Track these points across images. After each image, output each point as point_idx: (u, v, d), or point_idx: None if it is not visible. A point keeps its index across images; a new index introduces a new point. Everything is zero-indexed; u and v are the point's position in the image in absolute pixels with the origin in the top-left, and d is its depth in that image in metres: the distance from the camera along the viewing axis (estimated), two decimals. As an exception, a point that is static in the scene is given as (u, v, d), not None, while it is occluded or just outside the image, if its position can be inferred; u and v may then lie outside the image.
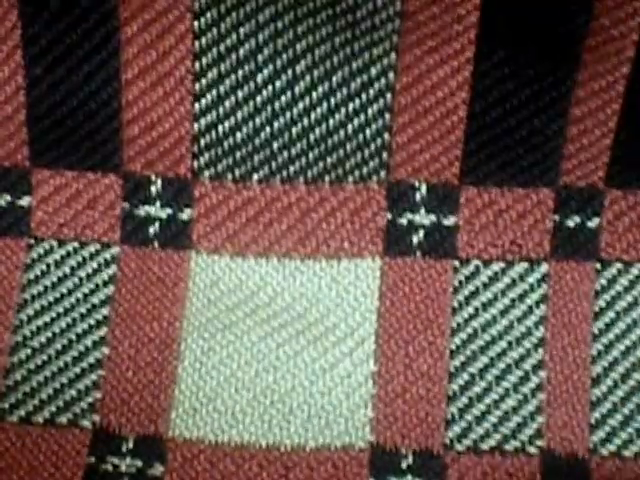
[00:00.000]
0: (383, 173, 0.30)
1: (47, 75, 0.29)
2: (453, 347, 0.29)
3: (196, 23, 0.28)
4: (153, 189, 0.30)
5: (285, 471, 0.28)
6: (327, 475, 0.28)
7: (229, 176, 0.30)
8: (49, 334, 0.29)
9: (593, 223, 0.30)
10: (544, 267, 0.30)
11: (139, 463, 0.28)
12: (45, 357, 0.29)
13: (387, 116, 0.29)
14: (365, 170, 0.30)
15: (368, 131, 0.29)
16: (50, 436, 0.28)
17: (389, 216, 0.30)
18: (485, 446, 0.29)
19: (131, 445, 0.28)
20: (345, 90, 0.29)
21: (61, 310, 0.30)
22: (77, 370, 0.29)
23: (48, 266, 0.30)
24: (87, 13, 0.28)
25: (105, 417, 0.29)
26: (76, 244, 0.30)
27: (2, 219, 0.30)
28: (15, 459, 0.28)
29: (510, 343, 0.29)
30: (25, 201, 0.30)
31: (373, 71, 0.29)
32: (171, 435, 0.28)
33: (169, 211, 0.30)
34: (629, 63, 0.28)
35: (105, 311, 0.30)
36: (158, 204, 0.30)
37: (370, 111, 0.29)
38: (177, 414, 0.29)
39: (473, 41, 0.28)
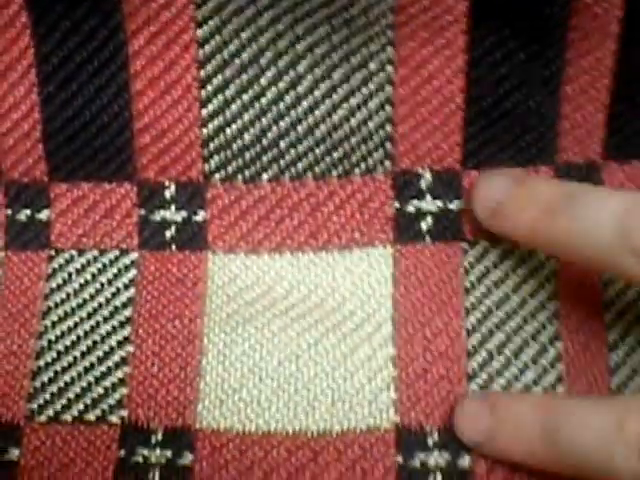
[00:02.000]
0: (388, 163, 0.31)
1: (60, 92, 0.30)
2: (469, 326, 0.30)
3: (199, 32, 0.29)
4: (167, 194, 0.31)
5: (313, 455, 0.29)
6: (354, 456, 0.29)
7: (239, 177, 0.31)
8: (73, 337, 0.30)
9: None
10: None
11: (169, 453, 0.28)
12: (71, 358, 0.30)
13: (388, 108, 0.30)
14: (371, 162, 0.31)
15: (371, 124, 0.31)
16: (79, 433, 0.29)
17: (397, 205, 0.31)
18: None
19: (160, 437, 0.29)
20: (346, 86, 0.30)
21: (84, 314, 0.30)
22: (103, 369, 0.30)
23: (69, 274, 0.31)
24: (95, 30, 0.29)
25: (133, 412, 0.29)
26: (95, 252, 0.31)
27: (22, 234, 0.31)
28: (46, 457, 0.28)
29: (525, 318, 0.30)
30: (44, 215, 0.31)
31: (372, 66, 0.30)
32: (199, 426, 0.29)
33: (184, 214, 0.31)
34: (615, 39, 0.29)
35: (128, 312, 0.30)
36: (173, 208, 0.31)
37: (371, 104, 0.30)
38: (204, 406, 0.29)
39: (464, 30, 0.29)
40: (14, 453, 0.29)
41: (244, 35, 0.29)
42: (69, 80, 0.30)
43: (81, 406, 0.29)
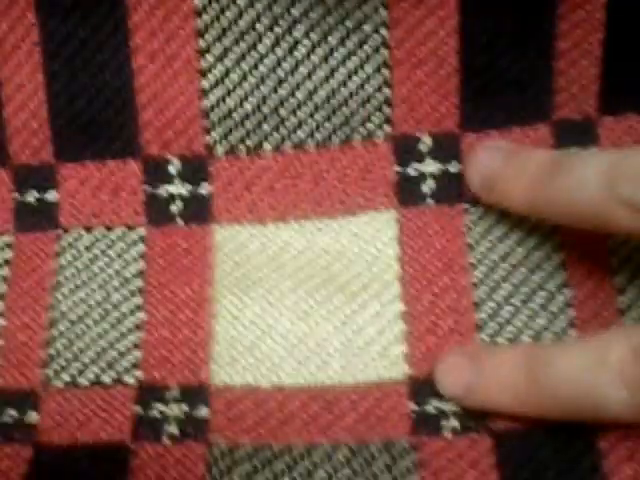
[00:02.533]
0: (387, 128, 0.31)
1: (64, 70, 0.31)
2: (475, 280, 0.30)
3: (197, 1, 0.30)
4: (172, 169, 0.32)
5: (327, 405, 0.28)
6: (368, 405, 0.28)
7: (242, 148, 0.32)
8: (85, 307, 0.30)
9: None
10: None
11: (185, 407, 0.28)
12: (84, 326, 0.30)
13: (384, 71, 0.31)
14: (370, 126, 0.31)
15: (368, 87, 0.31)
16: (96, 395, 0.29)
17: (398, 168, 0.31)
18: None
19: (176, 393, 0.29)
20: (342, 49, 0.31)
21: (95, 286, 0.31)
22: (116, 334, 0.30)
23: (78, 251, 0.31)
24: (96, 4, 0.30)
25: (148, 373, 0.29)
26: (103, 230, 0.32)
27: (31, 216, 0.32)
28: (64, 418, 0.29)
29: (531, 269, 0.30)
30: (52, 196, 0.32)
31: (366, 28, 0.31)
32: (213, 383, 0.29)
33: (189, 188, 0.32)
34: None
35: (138, 283, 0.31)
36: (178, 183, 0.32)
37: (368, 67, 0.31)
38: (217, 365, 0.29)
39: None
40: (33, 416, 0.29)
41: (241, 2, 0.30)
42: (73, 58, 0.31)
43: (96, 369, 0.29)
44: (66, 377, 0.29)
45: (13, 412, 0.29)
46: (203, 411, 0.28)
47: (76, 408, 0.29)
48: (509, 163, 0.29)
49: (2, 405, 0.29)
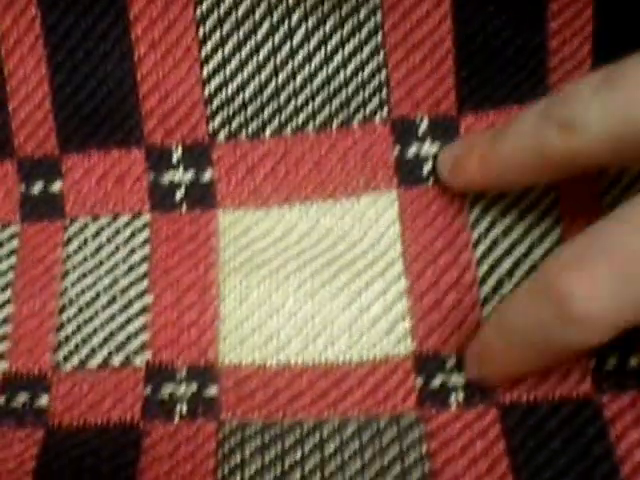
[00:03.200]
0: (385, 111, 0.32)
1: (67, 62, 0.32)
2: (478, 256, 0.31)
3: (198, 11, 0.31)
4: (174, 157, 0.32)
5: (335, 382, 0.29)
6: (376, 381, 0.29)
7: (243, 133, 0.32)
8: (93, 293, 0.31)
9: None
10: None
11: (194, 387, 0.29)
12: (92, 311, 0.31)
13: (381, 54, 0.32)
14: (368, 110, 0.32)
15: (365, 71, 0.32)
16: (105, 377, 0.29)
17: (397, 150, 0.32)
18: None
19: (184, 374, 0.29)
20: (339, 34, 0.32)
21: (102, 272, 0.31)
22: (124, 318, 0.30)
23: (85, 239, 0.32)
24: None
25: (156, 355, 0.29)
26: (109, 218, 0.32)
27: (37, 207, 0.32)
28: (75, 401, 0.29)
29: (531, 245, 0.31)
30: (57, 187, 0.32)
31: (362, 13, 0.31)
32: (221, 362, 0.29)
33: (192, 175, 0.32)
34: None
35: (144, 268, 0.31)
36: (181, 170, 0.32)
37: (364, 52, 0.32)
38: (225, 345, 0.30)
39: None
40: (44, 400, 0.29)
41: (241, 10, 0.31)
42: (75, 49, 0.31)
43: (105, 352, 0.30)
44: (76, 361, 0.30)
45: (25, 396, 0.29)
46: (212, 390, 0.29)
47: (86, 390, 0.29)
48: (461, 146, 0.31)
49: (14, 390, 0.30)
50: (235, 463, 0.28)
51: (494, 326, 0.27)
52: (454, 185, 0.31)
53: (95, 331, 0.30)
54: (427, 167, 0.32)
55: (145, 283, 0.31)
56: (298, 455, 0.28)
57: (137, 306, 0.30)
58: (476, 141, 0.30)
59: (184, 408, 0.29)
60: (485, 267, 0.30)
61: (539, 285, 0.25)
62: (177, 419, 0.29)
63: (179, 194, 0.32)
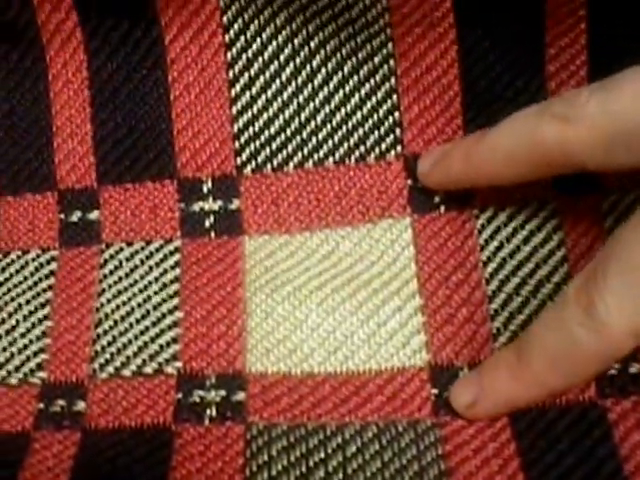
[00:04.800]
0: (399, 148, 0.35)
1: (109, 102, 0.35)
2: (487, 275, 0.33)
3: (227, 36, 0.34)
4: (205, 188, 0.35)
5: (355, 389, 0.31)
6: (394, 389, 0.31)
7: (268, 166, 0.35)
8: (127, 308, 0.33)
9: None
10: (552, 205, 0.34)
11: (223, 393, 0.31)
12: (126, 325, 0.33)
13: (394, 97, 0.35)
14: (383, 146, 0.35)
15: (380, 112, 0.35)
16: (139, 384, 0.31)
17: (410, 182, 0.35)
18: None
19: (214, 381, 0.31)
20: (355, 78, 0.35)
21: (135, 290, 0.33)
22: (156, 330, 0.32)
23: (120, 262, 0.34)
24: (139, 41, 0.34)
25: (187, 364, 0.31)
26: (142, 243, 0.34)
27: (75, 233, 0.35)
28: (110, 406, 0.31)
29: (537, 263, 0.33)
30: (94, 215, 0.35)
31: (376, 60, 0.34)
32: (248, 371, 0.31)
33: (220, 204, 0.35)
34: (585, 20, 0.34)
35: (175, 287, 0.33)
36: (210, 200, 0.35)
37: (379, 94, 0.35)
38: (252, 356, 0.32)
39: (453, 24, 0.34)
40: (81, 405, 0.31)
41: (264, 35, 0.34)
42: (117, 91, 0.34)
43: (139, 361, 0.32)
44: (111, 369, 0.32)
45: (62, 402, 0.31)
46: (240, 395, 0.31)
47: (121, 396, 0.31)
48: (442, 147, 0.33)
49: (52, 397, 0.31)
50: (262, 461, 0.29)
51: (514, 351, 0.29)
52: (434, 183, 0.33)
53: (129, 342, 0.32)
54: (438, 196, 0.34)
55: (176, 300, 0.33)
56: (322, 455, 0.29)
57: (168, 320, 0.33)
58: (459, 141, 0.32)
59: (213, 412, 0.30)
60: (494, 285, 0.33)
61: (566, 299, 0.27)
62: (207, 422, 0.30)
63: (208, 222, 0.35)
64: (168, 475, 0.29)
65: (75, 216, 0.35)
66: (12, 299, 0.34)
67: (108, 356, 0.32)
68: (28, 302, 0.34)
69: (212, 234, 0.34)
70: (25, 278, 0.34)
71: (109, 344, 0.32)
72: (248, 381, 0.31)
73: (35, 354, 0.32)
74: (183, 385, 0.31)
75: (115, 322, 0.33)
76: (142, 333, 0.32)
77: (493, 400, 0.30)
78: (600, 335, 0.26)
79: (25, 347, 0.33)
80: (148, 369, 0.32)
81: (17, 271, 0.34)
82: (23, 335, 0.33)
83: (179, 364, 0.32)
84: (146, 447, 0.30)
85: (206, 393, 0.31)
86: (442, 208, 0.34)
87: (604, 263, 0.27)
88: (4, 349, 0.33)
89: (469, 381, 0.30)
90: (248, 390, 0.31)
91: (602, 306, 0.26)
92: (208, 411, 0.30)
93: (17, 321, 0.33)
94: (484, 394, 0.30)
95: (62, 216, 0.35)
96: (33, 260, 0.35)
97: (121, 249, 0.34)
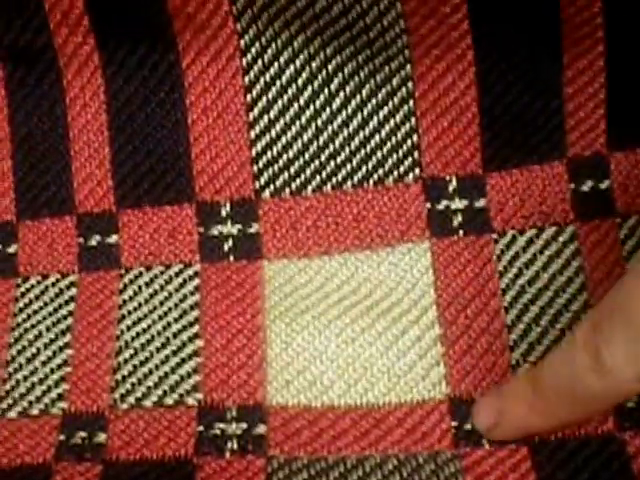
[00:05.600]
0: (417, 170, 0.35)
1: (127, 126, 0.34)
2: (506, 304, 0.33)
3: (244, 60, 0.34)
4: (223, 212, 0.35)
5: (375, 422, 0.31)
6: (414, 422, 0.31)
7: (287, 190, 0.35)
8: (148, 336, 0.33)
9: (604, 185, 0.34)
10: (570, 228, 0.34)
11: (244, 425, 0.31)
12: (147, 354, 0.33)
13: (412, 120, 0.35)
14: (402, 169, 0.35)
15: (399, 134, 0.35)
16: (160, 415, 0.31)
17: (428, 205, 0.35)
18: None
19: (234, 413, 0.31)
20: (374, 101, 0.34)
21: (155, 317, 0.34)
22: (177, 360, 0.32)
23: (139, 287, 0.34)
24: (156, 65, 0.34)
25: (208, 395, 0.32)
26: (162, 267, 0.34)
27: (94, 257, 0.35)
28: (131, 437, 0.31)
29: (556, 291, 0.33)
30: (113, 239, 0.35)
31: (394, 82, 0.34)
32: (269, 403, 0.31)
33: (239, 228, 0.35)
34: (602, 43, 0.34)
35: (195, 313, 0.33)
36: (229, 224, 0.35)
37: (397, 117, 0.34)
38: (272, 387, 0.32)
39: (470, 46, 0.34)
40: (102, 437, 0.31)
41: (282, 59, 0.34)
42: (135, 115, 0.34)
43: (160, 392, 0.32)
44: (132, 400, 0.32)
45: (83, 434, 0.31)
46: (261, 428, 0.31)
47: (142, 428, 0.31)
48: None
49: (73, 428, 0.32)
50: None
51: (529, 381, 0.29)
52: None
53: (150, 372, 0.32)
54: (457, 220, 0.34)
55: (196, 328, 0.33)
56: None
57: (189, 349, 0.33)
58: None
59: (234, 444, 0.31)
60: (513, 314, 0.33)
61: (575, 343, 0.28)
62: (228, 455, 0.30)
63: (227, 246, 0.35)
64: None
65: (94, 240, 0.35)
66: (32, 326, 0.34)
67: (129, 386, 0.32)
68: (49, 329, 0.34)
69: (231, 258, 0.35)
70: (45, 304, 0.34)
71: (130, 374, 0.32)
72: (269, 414, 0.31)
73: (56, 384, 0.33)
74: (204, 417, 0.31)
75: (135, 350, 0.33)
76: (163, 363, 0.33)
77: (511, 425, 0.30)
78: (607, 380, 0.27)
79: (46, 377, 0.33)
80: (169, 400, 0.32)
81: (37, 297, 0.35)
82: (44, 364, 0.33)
83: (200, 395, 0.32)
84: (166, 479, 0.30)
85: (227, 425, 0.31)
86: (461, 232, 0.34)
87: (609, 313, 0.27)
88: (25, 378, 0.33)
89: (490, 404, 0.30)
90: (269, 423, 0.31)
91: (608, 355, 0.27)
92: (229, 444, 0.31)
93: (38, 349, 0.33)
94: (504, 419, 0.30)
95: (81, 240, 0.35)
96: (53, 285, 0.35)
97: (140, 273, 0.35)
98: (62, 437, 0.31)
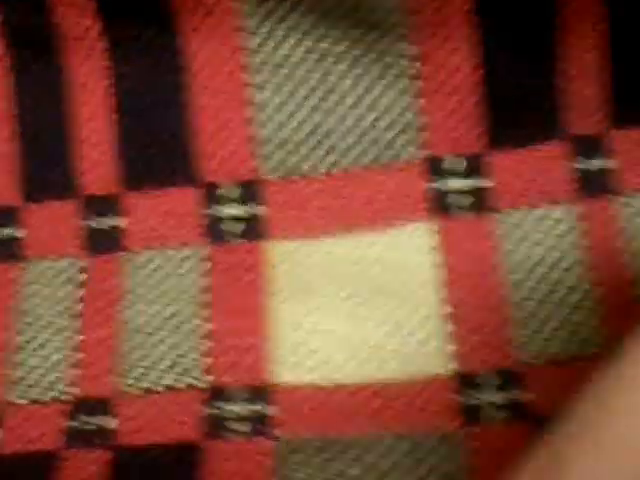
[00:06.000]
0: (426, 151, 0.35)
1: (133, 109, 0.34)
2: (512, 282, 0.33)
3: (253, 42, 0.34)
4: (231, 194, 0.35)
5: (385, 401, 0.31)
6: (423, 400, 0.31)
7: (296, 173, 0.35)
8: (159, 321, 0.33)
9: (607, 164, 0.35)
10: (576, 208, 0.34)
11: (253, 407, 0.31)
12: (158, 338, 0.33)
13: (420, 101, 0.35)
14: (410, 150, 0.35)
15: (407, 115, 0.35)
16: (170, 400, 0.31)
17: (435, 186, 0.35)
18: (562, 357, 0.32)
19: (244, 395, 0.31)
20: (382, 82, 0.34)
21: (166, 301, 0.34)
22: (189, 344, 0.32)
23: (149, 271, 0.34)
24: (162, 50, 0.34)
25: (218, 378, 0.32)
26: (171, 251, 0.34)
27: (102, 241, 0.35)
28: (141, 423, 0.31)
29: (561, 272, 0.33)
30: (119, 222, 0.35)
31: (402, 63, 0.34)
32: (278, 384, 0.32)
33: (247, 210, 0.35)
34: (605, 20, 0.34)
35: (205, 297, 0.33)
36: (237, 206, 0.35)
37: (405, 98, 0.35)
38: (282, 369, 0.32)
39: (478, 25, 0.34)
40: (113, 422, 0.31)
41: (291, 40, 0.34)
42: (141, 98, 0.34)
43: (171, 377, 0.32)
44: (143, 385, 0.32)
45: (93, 419, 0.31)
46: (270, 410, 0.31)
47: (152, 413, 0.31)
48: None
49: (83, 414, 0.32)
50: (293, 477, 0.30)
51: None
52: None
53: (161, 357, 0.32)
54: (462, 200, 0.34)
55: (207, 311, 0.33)
56: (357, 471, 0.30)
57: (200, 333, 0.33)
58: None
59: (243, 427, 0.31)
60: (521, 293, 0.33)
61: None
62: (238, 437, 0.30)
63: (235, 228, 0.35)
64: None
65: (102, 224, 0.35)
66: (43, 312, 0.34)
67: (140, 371, 0.32)
68: (60, 314, 0.34)
69: (240, 241, 0.35)
70: (55, 290, 0.34)
71: (141, 359, 0.32)
72: (278, 394, 0.31)
73: (68, 370, 0.33)
74: (214, 400, 0.31)
75: (147, 335, 0.33)
76: (173, 347, 0.33)
77: None
78: None
79: (58, 363, 0.33)
80: (180, 384, 0.32)
81: (45, 283, 0.34)
82: (56, 350, 0.33)
83: (211, 378, 0.32)
84: (178, 464, 0.30)
85: (236, 407, 0.31)
86: (467, 212, 0.34)
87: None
88: (36, 367, 0.33)
89: None
90: (278, 404, 0.31)
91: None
92: (239, 426, 0.31)
93: (49, 335, 0.33)
94: None
95: (88, 223, 0.35)
96: (61, 271, 0.35)
97: (149, 257, 0.35)
98: (72, 423, 0.31)
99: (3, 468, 0.30)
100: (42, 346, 0.33)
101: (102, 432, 0.31)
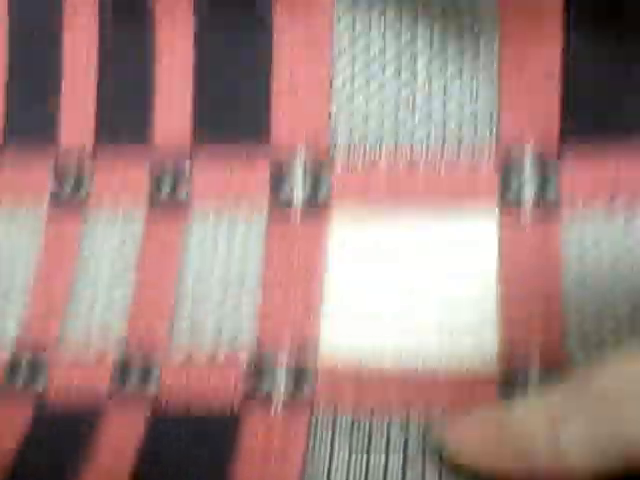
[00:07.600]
0: (494, 143, 0.34)
1: (213, 70, 0.36)
2: (567, 282, 0.32)
3: (335, 33, 0.34)
4: (296, 162, 0.35)
5: (422, 389, 0.31)
6: (461, 391, 0.31)
7: (360, 162, 0.34)
8: (208, 287, 0.34)
9: None
10: None
11: (291, 386, 0.31)
12: (206, 306, 0.33)
13: (495, 83, 0.34)
14: (479, 134, 0.34)
15: (480, 98, 0.34)
16: (212, 370, 0.32)
17: (502, 175, 0.34)
18: None
19: (284, 374, 0.32)
20: (457, 82, 0.34)
21: (217, 267, 0.34)
22: (236, 315, 0.33)
23: (205, 233, 0.35)
24: (246, 19, 0.35)
25: (260, 350, 0.32)
26: (230, 215, 0.35)
27: (166, 196, 0.35)
28: (180, 391, 0.32)
29: (619, 278, 0.32)
30: (187, 179, 0.35)
31: (481, 61, 0.33)
32: (318, 367, 0.32)
33: (310, 184, 0.35)
34: None
35: (256, 267, 0.34)
36: (301, 175, 0.35)
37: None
38: (324, 346, 0.32)
39: (562, 10, 0.33)
40: (153, 388, 0.32)
41: (374, 33, 0.34)
42: (220, 60, 0.35)
43: (213, 347, 0.33)
44: (185, 353, 0.33)
45: (135, 382, 0.32)
46: (308, 390, 0.31)
47: (192, 384, 0.32)
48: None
49: (125, 378, 0.33)
50: (325, 454, 0.30)
51: (496, 420, 0.29)
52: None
53: (205, 326, 0.33)
54: (529, 191, 0.34)
55: (255, 282, 0.33)
56: (383, 454, 0.30)
57: (247, 302, 0.33)
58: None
59: (281, 402, 0.31)
60: (573, 292, 0.32)
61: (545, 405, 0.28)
62: (274, 411, 0.31)
63: (299, 195, 0.35)
64: (232, 463, 0.30)
65: (164, 187, 0.35)
66: (98, 262, 0.35)
67: (184, 338, 0.33)
68: (113, 266, 0.35)
69: (301, 207, 0.35)
70: (113, 242, 0.35)
71: (187, 326, 0.33)
72: (317, 376, 0.32)
73: (116, 329, 0.33)
74: (254, 373, 0.32)
75: (195, 303, 0.33)
76: (220, 318, 0.33)
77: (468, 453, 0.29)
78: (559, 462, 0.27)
79: (107, 322, 0.34)
80: (221, 355, 0.33)
81: (105, 234, 0.35)
82: (108, 306, 0.34)
83: (253, 350, 0.32)
84: (214, 433, 0.31)
85: (275, 382, 0.32)
86: (529, 205, 0.34)
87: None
88: (86, 320, 0.34)
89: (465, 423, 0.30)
90: (317, 385, 0.32)
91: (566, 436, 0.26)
92: (276, 401, 0.31)
93: (101, 288, 0.34)
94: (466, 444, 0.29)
95: (151, 185, 0.36)
96: (121, 221, 0.35)
97: (208, 219, 0.35)
98: (113, 387, 0.32)
99: (46, 418, 0.32)
100: (93, 300, 0.34)
101: (142, 396, 0.32)
